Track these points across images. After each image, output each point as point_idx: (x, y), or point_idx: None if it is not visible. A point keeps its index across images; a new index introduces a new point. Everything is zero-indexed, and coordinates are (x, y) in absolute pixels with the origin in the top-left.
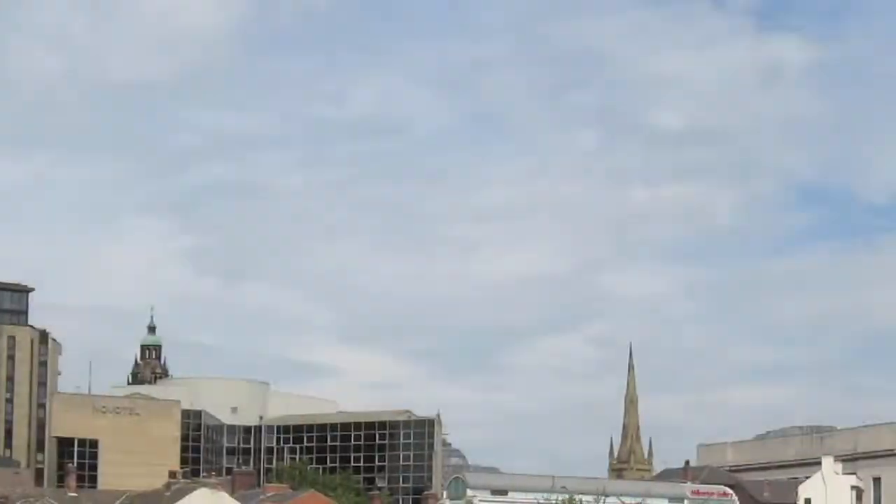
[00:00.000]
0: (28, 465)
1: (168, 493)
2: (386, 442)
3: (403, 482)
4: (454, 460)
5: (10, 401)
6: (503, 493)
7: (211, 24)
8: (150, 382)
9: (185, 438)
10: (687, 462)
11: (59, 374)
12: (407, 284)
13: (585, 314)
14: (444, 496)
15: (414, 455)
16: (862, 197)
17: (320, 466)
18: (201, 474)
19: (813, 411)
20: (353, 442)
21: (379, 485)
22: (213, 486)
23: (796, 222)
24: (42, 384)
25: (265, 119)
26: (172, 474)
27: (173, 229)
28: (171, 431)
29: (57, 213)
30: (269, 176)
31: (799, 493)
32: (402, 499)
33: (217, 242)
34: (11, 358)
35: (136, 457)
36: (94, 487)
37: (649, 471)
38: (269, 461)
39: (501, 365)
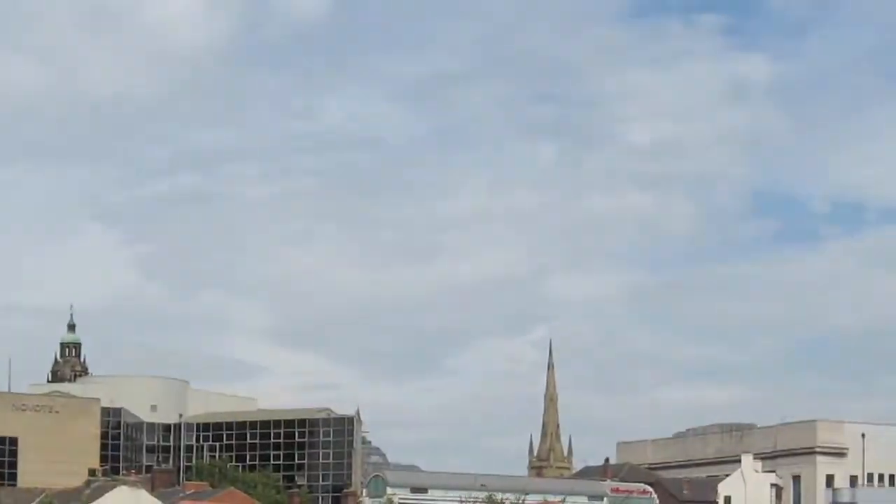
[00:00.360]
0: None
1: (88, 491)
2: (306, 440)
3: (323, 480)
4: (374, 458)
5: None
6: (423, 490)
7: (195, 43)
8: (69, 380)
9: (104, 436)
10: (606, 460)
11: None
12: (357, 290)
13: (531, 318)
14: (364, 494)
15: (334, 453)
16: (810, 206)
17: (240, 464)
18: (121, 472)
19: (745, 411)
20: (272, 440)
21: (298, 483)
22: (132, 484)
23: (748, 231)
24: None
25: (236, 133)
26: (92, 472)
27: (124, 236)
28: (91, 429)
29: (13, 218)
30: (233, 187)
31: (718, 490)
32: (322, 497)
33: (168, 249)
34: None
35: (56, 455)
36: (14, 486)
37: (569, 469)
38: (189, 459)
39: (440, 367)
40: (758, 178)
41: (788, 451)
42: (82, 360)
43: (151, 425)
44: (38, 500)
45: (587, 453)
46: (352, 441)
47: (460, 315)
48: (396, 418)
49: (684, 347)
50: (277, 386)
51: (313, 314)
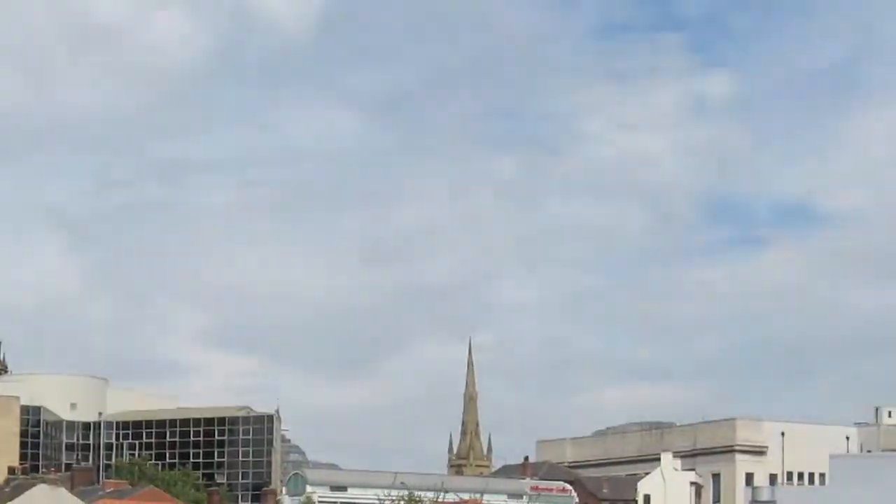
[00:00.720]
0: None
1: (7, 490)
2: (225, 438)
3: (243, 478)
4: (294, 457)
5: None
6: (342, 489)
7: (176, 59)
8: None
9: (24, 434)
10: (526, 458)
11: None
12: (307, 296)
13: (475, 322)
14: (284, 492)
15: (253, 451)
16: (759, 215)
17: (160, 462)
18: (41, 470)
19: (678, 412)
20: (192, 438)
21: (218, 481)
22: (52, 483)
23: (699, 239)
24: None
25: (202, 145)
26: (11, 470)
27: (76, 242)
28: (10, 427)
29: None
30: (193, 197)
31: (638, 489)
32: (242, 495)
33: (120, 256)
34: None
35: None
36: None
37: (488, 467)
38: (109, 457)
39: (377, 370)
40: (713, 188)
41: (708, 450)
42: (1, 358)
43: (71, 423)
44: None
45: (508, 452)
46: (271, 439)
47: (406, 320)
48: (323, 418)
49: (626, 349)
50: (208, 387)
51: (258, 319)
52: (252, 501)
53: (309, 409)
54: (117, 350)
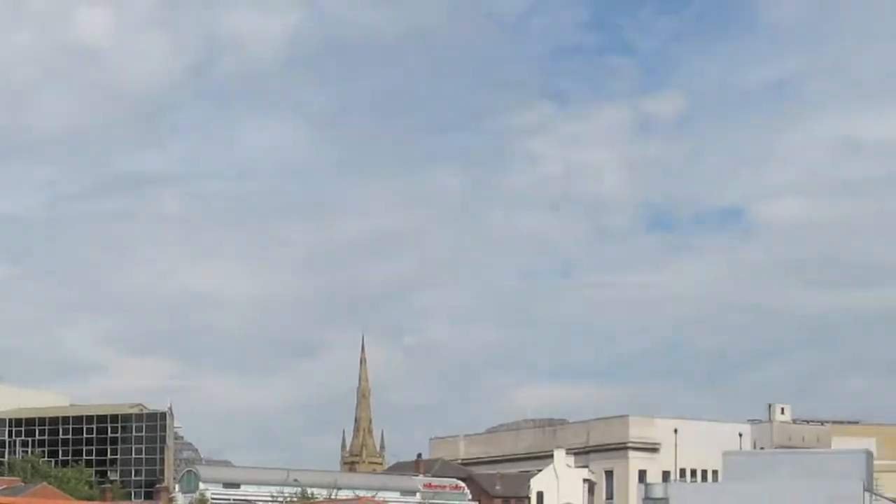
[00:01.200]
0: None
1: None
2: (118, 435)
3: (136, 475)
4: (187, 454)
5: None
6: (236, 486)
7: (143, 81)
8: None
9: None
10: (419, 455)
11: None
12: (227, 300)
13: (400, 327)
14: (177, 489)
15: (146, 448)
16: (691, 224)
17: (52, 460)
18: None
19: (579, 410)
20: (85, 435)
21: (111, 478)
22: None
23: (631, 247)
24: None
25: (157, 160)
26: None
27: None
28: None
29: None
30: (142, 209)
31: (531, 486)
32: (135, 492)
33: (54, 264)
34: None
35: None
36: None
37: (381, 464)
38: (2, 455)
39: (285, 371)
40: (650, 199)
41: (601, 447)
42: None
43: None
44: None
45: (402, 449)
46: (164, 436)
47: (328, 325)
48: (223, 418)
49: (543, 351)
50: (109, 388)
51: (175, 324)
52: (145, 498)
53: (211, 409)
54: (16, 350)
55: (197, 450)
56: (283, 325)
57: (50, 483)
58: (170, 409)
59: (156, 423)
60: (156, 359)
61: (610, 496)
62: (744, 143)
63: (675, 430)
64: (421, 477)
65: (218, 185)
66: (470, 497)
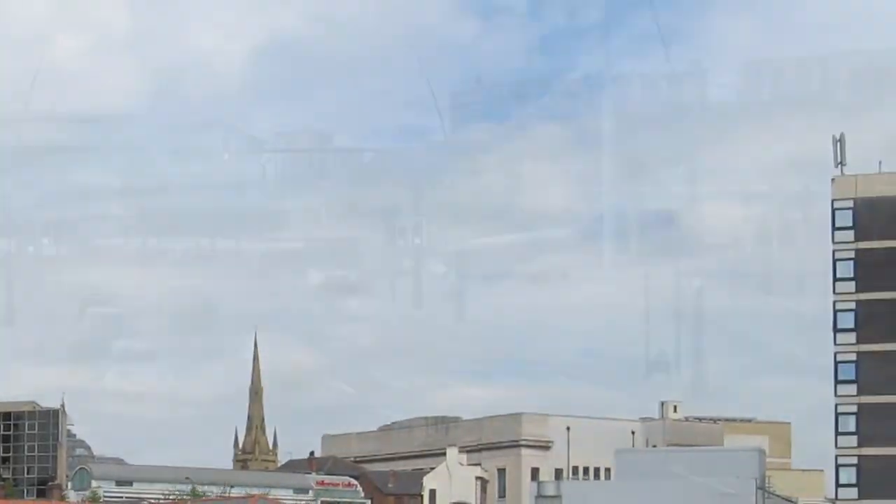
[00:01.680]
0: None
1: None
2: (11, 433)
3: (28, 473)
4: (80, 451)
5: None
6: (128, 483)
7: (119, 103)
8: None
9: None
10: (311, 453)
11: None
12: (148, 302)
13: (322, 331)
14: (69, 487)
15: (39, 446)
16: (630, 235)
17: None
18: None
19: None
20: None
21: (4, 475)
22: None
23: (564, 257)
24: None
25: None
26: None
27: None
28: None
29: None
30: (84, 224)
31: (424, 483)
32: (28, 489)
33: None
34: None
35: None
36: None
37: (274, 462)
38: None
39: (187, 371)
40: (586, 210)
41: (494, 444)
42: None
43: None
44: None
45: (295, 447)
46: (57, 434)
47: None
48: (117, 416)
49: (438, 350)
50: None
51: (91, 327)
52: (38, 496)
53: (104, 408)
54: None
55: (90, 448)
56: (200, 326)
57: None
58: (62, 406)
59: (48, 420)
60: (51, 358)
61: (502, 494)
62: (683, 156)
63: (568, 428)
64: (313, 475)
65: (162, 200)
66: (362, 494)
